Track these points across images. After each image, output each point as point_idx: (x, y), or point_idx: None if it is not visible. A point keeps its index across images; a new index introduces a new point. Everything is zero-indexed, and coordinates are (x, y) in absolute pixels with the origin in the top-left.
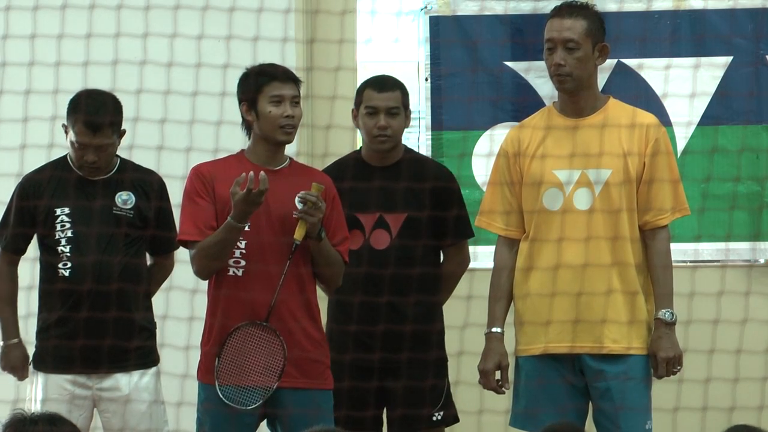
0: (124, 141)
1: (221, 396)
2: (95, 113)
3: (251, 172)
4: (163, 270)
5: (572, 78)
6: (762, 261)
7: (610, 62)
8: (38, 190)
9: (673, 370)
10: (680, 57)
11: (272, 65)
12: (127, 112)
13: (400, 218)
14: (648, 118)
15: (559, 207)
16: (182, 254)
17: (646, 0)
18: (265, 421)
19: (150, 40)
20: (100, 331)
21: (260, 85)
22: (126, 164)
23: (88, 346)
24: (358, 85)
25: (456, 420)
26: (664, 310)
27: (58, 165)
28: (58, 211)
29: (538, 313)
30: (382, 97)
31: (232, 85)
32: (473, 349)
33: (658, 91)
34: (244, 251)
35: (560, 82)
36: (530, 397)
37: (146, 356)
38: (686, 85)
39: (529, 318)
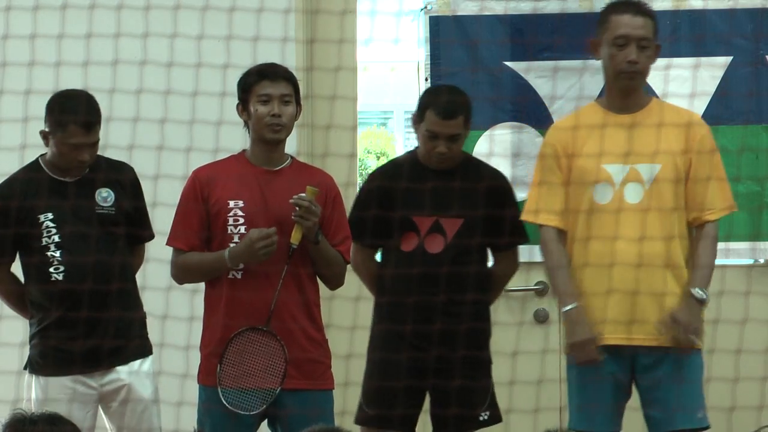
0: (124, 141)
1: (225, 402)
2: (87, 113)
3: (275, 236)
4: (138, 258)
5: (641, 75)
6: (762, 261)
7: None
8: (14, 198)
9: (690, 337)
10: (680, 57)
11: (266, 65)
12: (127, 112)
13: (456, 223)
14: (693, 116)
15: (608, 202)
16: None
17: (646, 0)
18: (266, 421)
19: (150, 40)
20: (98, 330)
21: (250, 84)
22: (98, 160)
23: (88, 345)
24: (420, 92)
25: (499, 420)
26: (698, 288)
27: (32, 169)
28: (42, 218)
29: (590, 310)
30: (444, 124)
31: (232, 85)
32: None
33: (658, 91)
34: None
35: (631, 78)
36: (583, 394)
37: (143, 346)
38: (686, 85)
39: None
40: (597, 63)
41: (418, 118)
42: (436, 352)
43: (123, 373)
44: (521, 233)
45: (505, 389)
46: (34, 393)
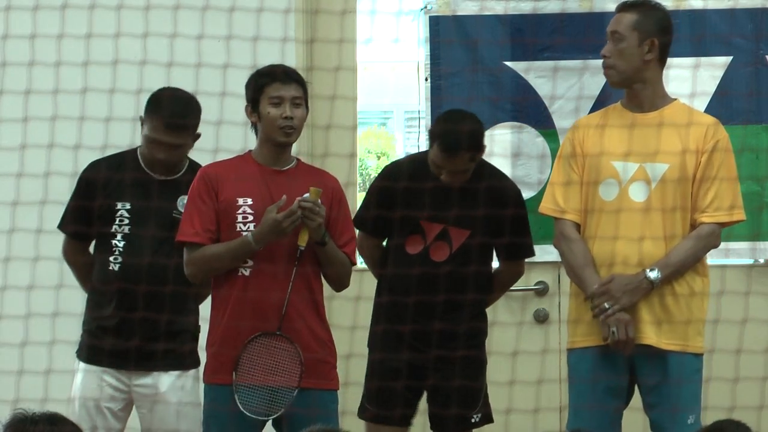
0: (125, 140)
1: (243, 410)
2: (178, 115)
3: (301, 199)
4: None
5: (615, 70)
6: (762, 261)
7: None
8: (103, 185)
9: (598, 305)
10: (680, 57)
11: (276, 66)
12: (127, 112)
13: (463, 234)
14: (709, 118)
15: (614, 198)
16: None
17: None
18: (271, 420)
19: (150, 40)
20: (143, 331)
21: (261, 86)
22: (194, 167)
23: (129, 344)
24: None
25: (491, 420)
26: (655, 270)
27: (127, 159)
28: (119, 206)
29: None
30: (448, 160)
31: (232, 85)
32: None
33: None
34: None
35: (606, 75)
36: (578, 395)
37: (185, 358)
38: (686, 85)
39: (588, 315)
40: (597, 63)
41: (429, 143)
42: (434, 353)
43: (160, 381)
44: (529, 246)
45: (505, 389)
46: (75, 378)
